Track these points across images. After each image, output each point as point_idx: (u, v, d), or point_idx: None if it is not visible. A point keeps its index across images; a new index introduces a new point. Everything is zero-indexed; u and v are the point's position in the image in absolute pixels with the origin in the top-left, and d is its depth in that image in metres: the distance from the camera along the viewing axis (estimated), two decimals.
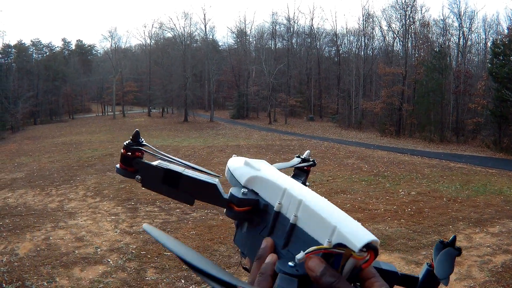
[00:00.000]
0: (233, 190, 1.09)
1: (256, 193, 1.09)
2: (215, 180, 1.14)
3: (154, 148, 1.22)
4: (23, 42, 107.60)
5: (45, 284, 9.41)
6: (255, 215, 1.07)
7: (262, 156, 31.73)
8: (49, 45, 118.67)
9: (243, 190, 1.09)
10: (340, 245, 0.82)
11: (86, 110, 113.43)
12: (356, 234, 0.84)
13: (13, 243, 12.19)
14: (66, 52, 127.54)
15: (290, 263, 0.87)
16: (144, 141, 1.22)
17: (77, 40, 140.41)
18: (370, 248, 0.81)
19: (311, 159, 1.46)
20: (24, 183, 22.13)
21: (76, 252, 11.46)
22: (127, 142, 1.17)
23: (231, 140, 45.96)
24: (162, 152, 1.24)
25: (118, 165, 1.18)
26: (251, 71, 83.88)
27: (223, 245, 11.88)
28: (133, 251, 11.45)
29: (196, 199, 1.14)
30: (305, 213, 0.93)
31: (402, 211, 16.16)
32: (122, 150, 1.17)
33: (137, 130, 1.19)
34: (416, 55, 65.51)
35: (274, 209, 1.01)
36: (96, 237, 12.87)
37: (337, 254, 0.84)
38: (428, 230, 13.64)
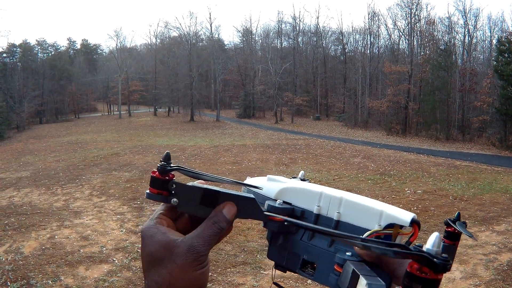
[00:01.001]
0: (268, 204, 1.15)
1: (289, 203, 1.15)
2: (251, 195, 1.13)
3: (187, 169, 1.14)
4: (28, 41, 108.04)
5: (50, 282, 9.36)
6: (293, 225, 1.09)
7: (268, 155, 31.73)
8: (55, 44, 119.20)
9: (278, 201, 1.15)
10: (388, 226, 0.95)
11: (92, 109, 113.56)
12: (401, 213, 0.99)
13: (18, 241, 12.16)
14: (72, 51, 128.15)
15: (347, 253, 0.95)
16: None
17: (82, 40, 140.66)
18: (414, 222, 0.96)
19: (306, 180, 1.44)
20: (29, 182, 22.10)
21: (81, 251, 11.42)
22: (160, 164, 1.09)
23: (238, 139, 45.93)
24: (197, 170, 1.17)
25: (148, 191, 1.08)
26: (257, 70, 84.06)
27: (229, 244, 11.81)
28: (138, 250, 11.33)
29: (236, 217, 1.09)
30: (348, 208, 1.05)
31: (408, 209, 15.95)
32: (153, 173, 1.09)
33: (167, 152, 1.12)
34: (422, 53, 65.63)
35: (314, 212, 1.10)
36: (102, 236, 12.83)
37: (386, 235, 0.96)
38: (434, 229, 13.47)
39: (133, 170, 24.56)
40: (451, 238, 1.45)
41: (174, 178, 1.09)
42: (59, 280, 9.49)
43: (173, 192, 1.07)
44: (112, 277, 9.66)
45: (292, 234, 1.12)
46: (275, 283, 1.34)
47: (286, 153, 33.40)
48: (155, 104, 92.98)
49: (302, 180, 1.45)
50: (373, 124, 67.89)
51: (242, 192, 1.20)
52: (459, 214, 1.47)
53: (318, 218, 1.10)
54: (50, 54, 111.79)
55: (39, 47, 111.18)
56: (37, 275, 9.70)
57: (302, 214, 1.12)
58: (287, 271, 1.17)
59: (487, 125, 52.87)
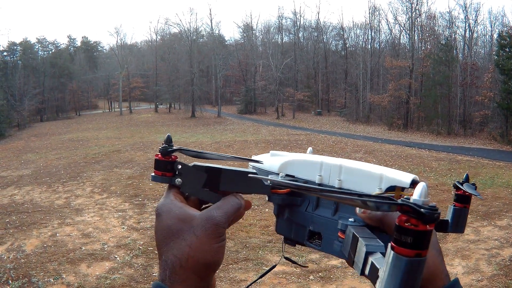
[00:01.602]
0: (271, 178, 1.16)
1: (292, 176, 1.20)
2: (253, 170, 1.21)
3: (188, 149, 1.17)
4: (28, 39, 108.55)
5: (52, 280, 9.33)
6: (296, 196, 1.16)
7: (270, 150, 31.68)
8: (55, 42, 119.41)
9: (281, 174, 1.20)
10: (389, 189, 0.96)
11: (93, 106, 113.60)
12: (401, 174, 1.01)
13: (19, 239, 12.13)
14: (72, 49, 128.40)
15: (350, 219, 1.01)
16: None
17: (82, 37, 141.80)
18: (416, 183, 0.96)
19: None
20: (30, 180, 22.09)
21: (83, 248, 11.39)
22: (162, 146, 1.12)
23: (239, 135, 45.87)
24: (198, 150, 1.18)
25: (153, 174, 1.12)
26: (258, 65, 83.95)
27: (230, 240, 11.77)
28: (140, 247, 11.37)
29: (239, 192, 1.12)
30: (348, 174, 1.09)
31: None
32: (156, 156, 1.13)
33: (169, 135, 1.16)
34: (423, 48, 65.48)
35: (316, 181, 1.13)
36: (103, 233, 12.80)
37: None
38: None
39: (134, 167, 24.54)
40: (462, 201, 1.49)
41: (177, 160, 1.12)
42: (61, 278, 9.46)
43: (177, 172, 1.10)
44: (114, 274, 9.63)
45: (297, 206, 1.17)
46: (286, 258, 1.40)
47: (288, 148, 33.30)
48: (156, 100, 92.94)
49: None
50: (374, 119, 67.83)
51: (245, 168, 1.21)
52: (467, 175, 1.52)
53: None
54: (50, 52, 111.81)
55: (39, 45, 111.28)
56: (38, 273, 9.68)
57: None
58: (296, 244, 1.21)
59: (488, 119, 52.85)
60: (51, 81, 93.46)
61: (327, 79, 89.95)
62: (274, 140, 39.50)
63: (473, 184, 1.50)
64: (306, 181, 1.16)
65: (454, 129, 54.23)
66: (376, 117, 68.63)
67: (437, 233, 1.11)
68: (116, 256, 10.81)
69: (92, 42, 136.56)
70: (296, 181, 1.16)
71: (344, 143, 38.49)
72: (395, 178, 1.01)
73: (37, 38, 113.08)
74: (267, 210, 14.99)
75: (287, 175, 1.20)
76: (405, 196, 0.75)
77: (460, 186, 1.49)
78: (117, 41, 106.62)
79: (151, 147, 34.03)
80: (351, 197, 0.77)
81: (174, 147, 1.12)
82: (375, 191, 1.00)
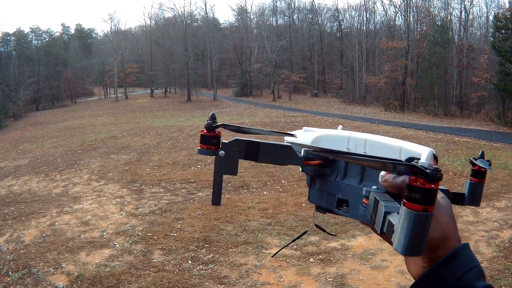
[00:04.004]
0: (304, 150, 1.33)
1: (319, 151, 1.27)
2: (288, 144, 1.37)
3: (231, 124, 1.34)
4: (22, 29, 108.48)
5: (51, 270, 9.29)
6: (326, 167, 1.30)
7: None
8: (48, 30, 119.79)
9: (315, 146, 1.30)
10: (408, 160, 0.96)
11: (88, 93, 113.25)
12: (419, 147, 1.12)
13: (18, 230, 12.07)
14: (66, 36, 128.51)
15: (373, 187, 1.08)
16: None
17: (76, 24, 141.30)
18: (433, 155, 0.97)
19: None
20: (28, 170, 22.01)
21: (82, 236, 11.33)
22: (207, 123, 1.31)
23: (235, 118, 45.80)
24: (239, 125, 1.38)
25: (199, 147, 1.33)
26: (253, 48, 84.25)
27: (230, 224, 11.76)
28: (139, 233, 11.32)
29: (275, 163, 1.36)
30: (372, 147, 1.22)
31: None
32: (202, 132, 1.32)
33: (213, 113, 1.36)
34: (418, 29, 65.41)
35: None
36: (102, 220, 12.74)
37: None
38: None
39: (131, 153, 24.49)
40: (477, 176, 1.53)
41: (221, 135, 1.33)
42: (60, 267, 9.41)
43: (221, 146, 1.31)
44: (114, 262, 9.58)
45: (327, 177, 1.30)
46: (317, 225, 1.57)
47: (285, 130, 33.12)
48: (152, 85, 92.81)
49: None
50: (371, 100, 67.88)
51: (281, 142, 1.38)
52: (482, 152, 1.60)
53: None
54: (44, 41, 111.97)
55: (33, 35, 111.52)
56: (38, 263, 9.63)
57: (335, 158, 1.26)
58: (326, 212, 1.34)
59: (485, 101, 52.88)
60: (46, 70, 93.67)
61: (322, 60, 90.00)
62: (271, 122, 39.39)
63: (488, 161, 1.56)
64: None
65: (450, 110, 54.26)
66: (372, 98, 68.67)
67: (454, 205, 1.29)
68: (115, 243, 10.76)
69: (86, 29, 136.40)
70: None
71: (341, 125, 38.29)
72: (413, 150, 1.13)
73: (30, 28, 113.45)
74: (265, 193, 14.99)
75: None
76: (415, 161, 0.89)
77: (475, 161, 1.55)
78: (111, 28, 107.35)
79: (147, 132, 34.00)
80: (372, 159, 0.90)
81: (217, 123, 1.31)
82: None
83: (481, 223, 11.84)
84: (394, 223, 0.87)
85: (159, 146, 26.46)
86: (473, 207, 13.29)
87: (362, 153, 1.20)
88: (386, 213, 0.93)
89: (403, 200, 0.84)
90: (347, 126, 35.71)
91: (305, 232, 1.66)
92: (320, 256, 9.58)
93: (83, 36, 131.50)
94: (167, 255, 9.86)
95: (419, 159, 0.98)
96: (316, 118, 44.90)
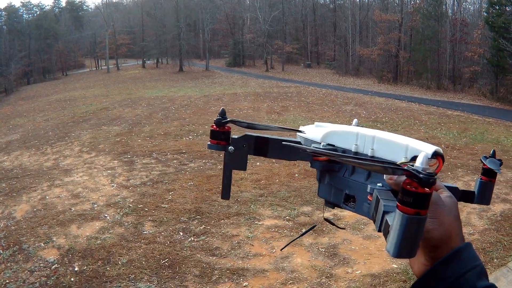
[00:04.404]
0: (313, 146, 1.32)
1: (332, 145, 1.31)
2: (297, 139, 1.40)
3: (240, 120, 1.36)
4: (13, 4, 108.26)
5: (42, 245, 9.20)
6: (335, 163, 1.28)
7: (260, 103, 31.68)
8: (39, 4, 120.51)
9: (322, 144, 1.32)
10: (414, 159, 0.98)
11: (80, 65, 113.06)
12: (424, 146, 1.10)
13: (10, 206, 11.94)
14: (57, 10, 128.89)
15: (378, 184, 1.09)
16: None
17: None
18: (438, 155, 1.06)
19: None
20: (19, 145, 21.86)
21: (73, 209, 11.23)
22: (216, 118, 1.32)
23: (228, 88, 45.66)
24: (248, 121, 1.38)
25: (209, 142, 1.34)
26: (245, 18, 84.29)
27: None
28: (130, 205, 11.24)
29: (284, 158, 1.37)
30: (380, 144, 1.20)
31: (400, 158, 16.05)
32: (212, 127, 1.33)
33: (223, 108, 1.35)
34: (412, 2, 65.37)
35: (353, 150, 1.25)
36: (93, 192, 12.65)
37: None
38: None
39: (122, 124, 24.37)
40: (488, 175, 1.51)
41: (230, 130, 1.33)
42: (51, 242, 9.32)
43: (230, 141, 1.32)
44: (105, 234, 9.51)
45: (336, 172, 1.28)
46: (326, 219, 1.58)
47: (278, 101, 33.30)
48: (143, 56, 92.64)
49: None
50: (364, 72, 68.19)
51: (289, 137, 1.39)
52: (494, 151, 1.54)
53: (356, 155, 1.23)
54: (35, 15, 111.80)
55: (24, 9, 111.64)
56: (29, 239, 9.53)
57: (344, 153, 1.27)
58: (334, 207, 1.32)
59: (478, 75, 53.27)
60: (37, 43, 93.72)
61: (315, 31, 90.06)
62: (264, 92, 39.35)
63: (499, 160, 1.52)
64: (344, 150, 1.28)
65: (443, 84, 54.62)
66: (365, 70, 68.97)
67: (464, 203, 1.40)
68: (106, 215, 10.68)
69: (77, 2, 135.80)
70: (335, 150, 1.29)
71: (334, 96, 38.51)
72: (418, 148, 1.09)
73: (21, 2, 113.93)
74: (258, 163, 14.92)
75: (328, 144, 1.32)
76: (410, 164, 0.91)
77: (484, 161, 1.52)
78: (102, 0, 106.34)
79: (139, 103, 33.91)
80: (369, 163, 0.95)
81: (227, 119, 1.32)
82: (401, 159, 1.06)
83: None
84: (390, 224, 0.88)
85: (151, 117, 26.35)
86: (465, 180, 13.43)
87: (370, 149, 1.21)
88: (385, 212, 0.94)
89: (397, 202, 0.85)
90: (341, 98, 35.95)
91: (314, 226, 1.75)
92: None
93: (74, 8, 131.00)
94: (158, 227, 9.81)
95: None
96: (309, 89, 44.93)
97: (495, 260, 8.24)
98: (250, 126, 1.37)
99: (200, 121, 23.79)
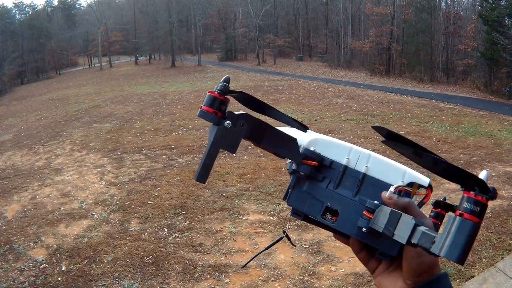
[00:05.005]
0: (304, 148, 1.23)
1: (318, 154, 1.22)
2: (294, 137, 1.24)
3: (252, 95, 1.20)
4: (5, 5, 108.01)
5: (32, 244, 9.34)
6: (319, 172, 1.21)
7: None
8: (32, 4, 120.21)
9: (312, 148, 1.22)
10: (409, 185, 1.07)
11: (73, 64, 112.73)
12: (419, 175, 1.13)
13: (1, 206, 12.07)
14: (49, 9, 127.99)
15: (375, 202, 1.06)
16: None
17: None
18: (430, 186, 1.11)
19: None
20: (12, 145, 21.99)
21: (62, 208, 11.37)
22: (222, 85, 1.14)
23: (220, 82, 45.53)
24: (259, 100, 1.21)
25: (202, 109, 1.12)
26: (237, 13, 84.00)
27: (207, 190, 11.81)
28: (117, 202, 11.38)
29: (274, 152, 1.23)
30: (375, 163, 1.17)
31: (391, 150, 16.00)
32: (212, 93, 1.14)
33: (227, 76, 1.19)
34: None
35: (343, 163, 1.19)
36: (82, 191, 12.78)
37: (406, 192, 1.09)
38: (416, 171, 13.39)
39: (114, 121, 24.53)
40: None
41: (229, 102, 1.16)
42: (40, 241, 9.46)
43: (226, 115, 1.13)
44: (92, 233, 9.64)
45: (319, 182, 1.20)
46: (284, 233, 1.45)
47: (269, 94, 33.32)
48: (136, 53, 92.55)
49: None
50: (356, 65, 67.86)
51: (289, 133, 1.24)
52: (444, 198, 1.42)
53: (346, 169, 1.18)
54: (27, 15, 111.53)
55: (16, 9, 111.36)
56: (19, 239, 9.67)
57: (331, 164, 1.20)
58: (304, 219, 1.25)
59: (471, 68, 53.09)
60: (30, 43, 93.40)
61: (307, 25, 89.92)
62: (255, 86, 39.35)
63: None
64: (333, 161, 1.20)
65: (436, 76, 54.37)
66: (357, 62, 68.68)
67: None
68: (94, 213, 10.81)
69: (69, 1, 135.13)
70: (323, 158, 1.21)
71: (325, 88, 38.37)
72: (417, 176, 1.13)
73: (13, 3, 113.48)
74: (245, 157, 15.05)
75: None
76: (406, 187, 1.07)
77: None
78: None
79: (130, 99, 34.02)
80: (447, 164, 0.93)
81: (235, 89, 1.14)
82: (398, 182, 1.11)
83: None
84: (433, 234, 0.91)
85: (142, 113, 26.48)
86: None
87: (364, 167, 1.18)
88: (417, 224, 0.96)
89: (460, 211, 0.89)
90: (332, 90, 35.88)
91: (281, 238, 1.55)
92: (297, 222, 9.58)
93: (66, 7, 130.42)
94: (143, 224, 9.94)
95: (419, 185, 1.12)
96: (300, 82, 44.79)
97: (484, 259, 8.15)
98: (259, 106, 1.21)
99: (191, 116, 23.86)
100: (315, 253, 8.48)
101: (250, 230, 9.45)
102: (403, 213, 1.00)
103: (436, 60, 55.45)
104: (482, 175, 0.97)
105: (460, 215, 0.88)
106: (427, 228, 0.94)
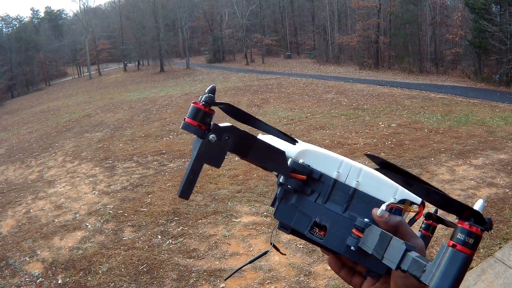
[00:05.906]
0: (292, 160, 1.18)
1: (308, 166, 1.18)
2: (282, 149, 1.17)
3: (238, 108, 1.10)
4: None
5: (27, 259, 9.37)
6: (307, 185, 1.16)
7: (240, 97, 31.75)
8: (18, 17, 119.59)
9: (301, 160, 1.18)
10: (401, 202, 1.06)
11: (62, 74, 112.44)
12: (411, 194, 1.10)
13: None
14: (36, 20, 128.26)
15: (365, 219, 1.05)
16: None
17: (45, 7, 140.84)
18: (422, 203, 1.11)
19: None
20: (4, 159, 21.97)
21: (56, 221, 11.39)
22: (207, 96, 1.05)
23: (209, 84, 44.72)
24: (246, 112, 1.12)
25: (186, 121, 1.06)
26: (223, 14, 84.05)
27: (199, 194, 11.84)
28: (110, 211, 11.41)
29: (261, 166, 1.17)
30: (367, 178, 1.14)
31: (382, 144, 16.05)
32: (196, 105, 1.05)
33: (213, 85, 1.10)
34: None
35: (333, 177, 1.15)
36: (75, 202, 12.80)
37: (397, 209, 1.08)
38: (409, 163, 13.54)
39: (104, 129, 24.55)
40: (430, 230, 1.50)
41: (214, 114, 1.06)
42: (36, 255, 9.48)
43: (211, 128, 1.05)
44: (86, 244, 9.66)
45: (307, 196, 1.16)
46: (272, 244, 1.38)
47: (258, 93, 33.34)
48: (124, 59, 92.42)
49: None
50: (344, 60, 67.73)
51: (277, 146, 1.18)
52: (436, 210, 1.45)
53: (335, 183, 1.15)
54: (14, 28, 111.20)
55: (3, 23, 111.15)
56: (15, 254, 9.69)
57: (320, 177, 1.16)
58: (292, 232, 1.20)
59: (460, 57, 52.81)
60: (18, 56, 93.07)
61: (294, 22, 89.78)
62: (244, 86, 39.39)
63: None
64: (322, 174, 1.16)
65: (426, 67, 54.19)
66: (346, 57, 68.55)
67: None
68: (88, 224, 10.84)
69: (55, 11, 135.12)
70: (312, 171, 1.17)
71: (315, 85, 38.36)
72: (408, 192, 1.10)
73: (0, 17, 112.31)
74: (236, 159, 15.05)
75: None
76: (398, 205, 1.06)
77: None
78: (80, 6, 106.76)
79: (121, 107, 34.00)
80: (439, 192, 0.89)
81: (222, 101, 1.07)
82: (390, 199, 1.09)
83: (457, 182, 11.89)
84: (424, 262, 0.89)
85: (132, 120, 26.48)
86: (449, 165, 13.47)
87: (354, 181, 1.14)
88: (407, 250, 0.94)
89: (452, 242, 0.87)
90: (321, 86, 35.82)
91: (266, 252, 1.49)
92: None
93: (53, 18, 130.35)
94: (137, 232, 9.96)
95: (411, 202, 1.11)
96: (289, 79, 44.80)
97: (482, 250, 8.17)
98: (245, 119, 1.11)
99: (181, 120, 23.59)
100: (310, 252, 8.50)
101: (243, 233, 9.49)
102: (393, 236, 0.98)
103: (425, 50, 55.38)
104: (478, 205, 0.99)
105: (453, 246, 0.86)
106: (418, 255, 0.92)
